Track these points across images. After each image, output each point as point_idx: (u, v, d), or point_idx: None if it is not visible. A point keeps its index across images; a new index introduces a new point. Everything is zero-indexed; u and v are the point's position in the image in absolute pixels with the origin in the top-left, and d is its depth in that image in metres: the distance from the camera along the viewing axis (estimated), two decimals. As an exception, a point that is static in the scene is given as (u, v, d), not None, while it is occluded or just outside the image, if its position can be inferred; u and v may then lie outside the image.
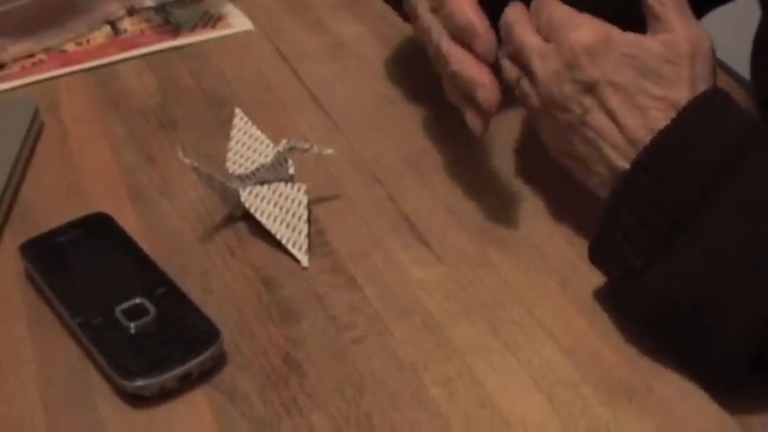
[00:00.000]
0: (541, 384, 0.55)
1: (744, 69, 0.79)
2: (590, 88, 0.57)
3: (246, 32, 0.89)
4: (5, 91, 0.82)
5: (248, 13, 0.92)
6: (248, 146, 0.69)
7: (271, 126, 0.73)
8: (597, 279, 0.60)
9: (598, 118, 0.57)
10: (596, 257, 0.58)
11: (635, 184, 0.55)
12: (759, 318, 0.51)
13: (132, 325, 0.58)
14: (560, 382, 0.55)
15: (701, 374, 0.55)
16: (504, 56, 0.62)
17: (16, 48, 0.86)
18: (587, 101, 0.57)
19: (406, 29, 0.84)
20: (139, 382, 0.55)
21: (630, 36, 0.57)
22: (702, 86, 0.56)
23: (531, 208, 0.67)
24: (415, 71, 0.81)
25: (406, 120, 0.76)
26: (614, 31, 0.57)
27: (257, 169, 0.66)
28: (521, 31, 0.61)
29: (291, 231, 0.64)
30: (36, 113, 0.77)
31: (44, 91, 0.82)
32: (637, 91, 0.56)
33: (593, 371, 0.56)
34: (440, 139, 0.74)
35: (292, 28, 0.90)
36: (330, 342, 0.58)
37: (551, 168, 0.69)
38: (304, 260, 0.63)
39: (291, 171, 0.67)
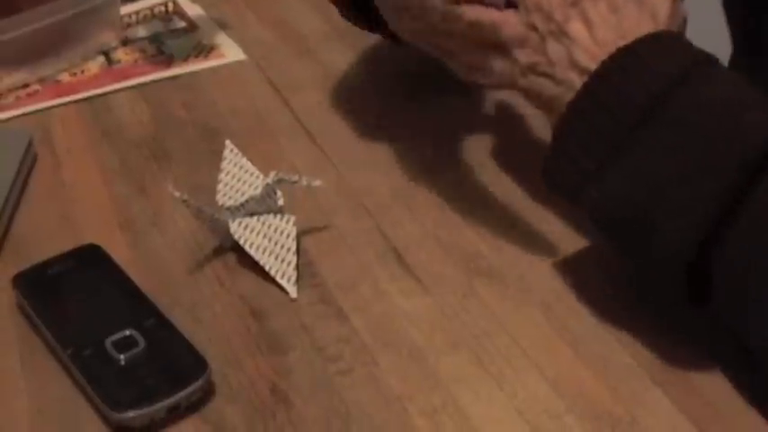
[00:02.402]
0: (526, 415, 0.56)
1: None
2: (576, 2, 0.61)
3: (239, 62, 0.90)
4: (1, 121, 0.83)
5: (241, 43, 0.93)
6: (238, 177, 0.69)
7: (261, 156, 0.74)
8: (582, 309, 0.61)
9: (575, 27, 0.60)
10: (550, 169, 0.60)
11: (590, 91, 0.58)
12: (693, 221, 0.54)
13: (122, 357, 0.58)
14: (545, 412, 0.56)
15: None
16: None
17: (12, 78, 0.87)
18: (572, 11, 0.61)
19: (398, 59, 0.85)
20: (129, 414, 0.55)
21: None
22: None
23: (517, 239, 0.67)
24: (406, 101, 0.82)
25: (396, 150, 0.77)
26: None
27: (246, 201, 0.66)
28: None
29: (280, 263, 0.65)
30: (30, 144, 0.77)
31: (38, 121, 0.83)
32: (617, 6, 0.60)
33: (578, 401, 0.56)
34: (429, 171, 0.74)
35: (284, 58, 0.90)
36: (317, 373, 0.59)
37: (538, 200, 0.70)
38: (292, 291, 0.64)
39: (281, 203, 0.67)
